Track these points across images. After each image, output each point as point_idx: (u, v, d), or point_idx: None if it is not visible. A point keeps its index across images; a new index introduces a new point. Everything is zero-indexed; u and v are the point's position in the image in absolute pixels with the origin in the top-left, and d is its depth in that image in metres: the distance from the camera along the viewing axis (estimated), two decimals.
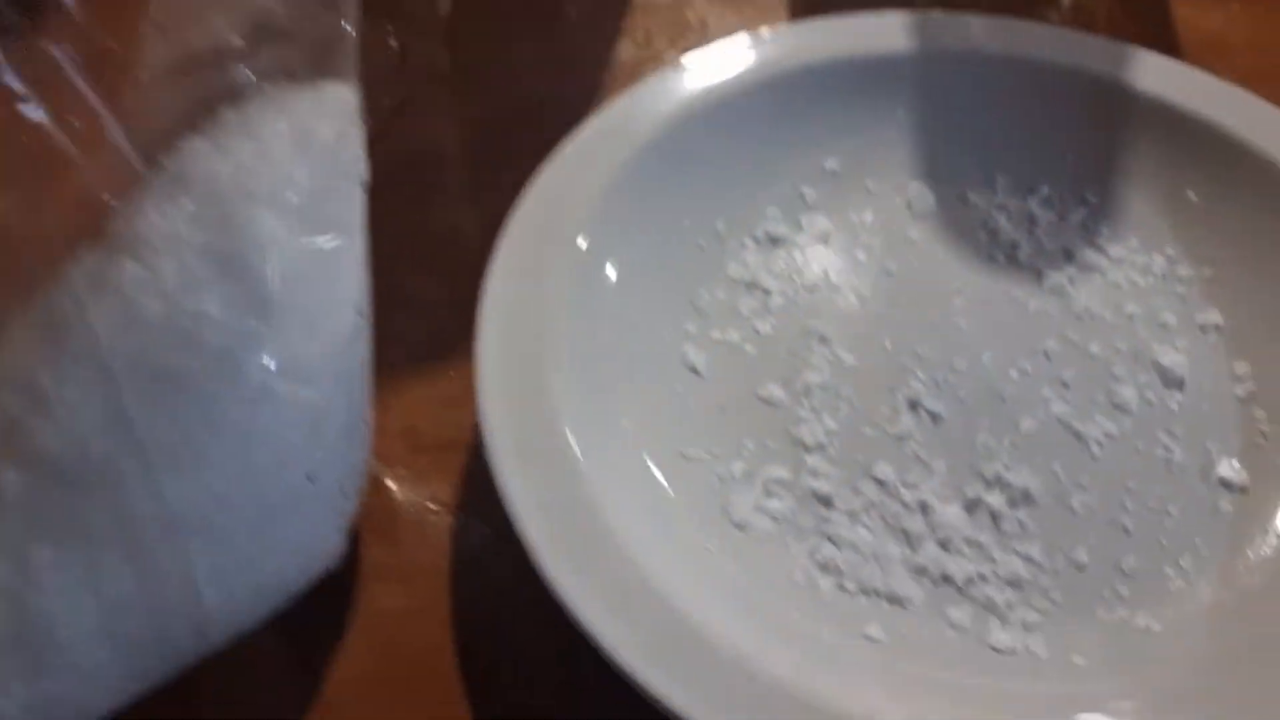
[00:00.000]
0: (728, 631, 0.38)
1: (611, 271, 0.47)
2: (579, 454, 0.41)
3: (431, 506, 0.49)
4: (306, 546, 0.42)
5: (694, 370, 0.47)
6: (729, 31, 0.56)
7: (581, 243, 0.47)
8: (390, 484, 0.49)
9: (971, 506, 0.44)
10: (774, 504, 0.45)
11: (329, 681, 0.44)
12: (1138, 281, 0.50)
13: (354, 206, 0.41)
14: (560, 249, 0.47)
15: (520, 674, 0.43)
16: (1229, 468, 0.45)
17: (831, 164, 0.54)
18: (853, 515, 0.44)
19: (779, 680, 0.37)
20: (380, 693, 0.44)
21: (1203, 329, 0.47)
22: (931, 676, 0.40)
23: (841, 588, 0.43)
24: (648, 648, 0.37)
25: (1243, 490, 0.44)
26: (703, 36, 0.65)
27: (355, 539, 0.47)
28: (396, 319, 0.53)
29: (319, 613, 0.45)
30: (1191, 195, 0.52)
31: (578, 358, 0.44)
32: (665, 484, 0.44)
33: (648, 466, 0.44)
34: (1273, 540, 0.43)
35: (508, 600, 0.44)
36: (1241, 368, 0.45)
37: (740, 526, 0.44)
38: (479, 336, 0.45)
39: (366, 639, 0.45)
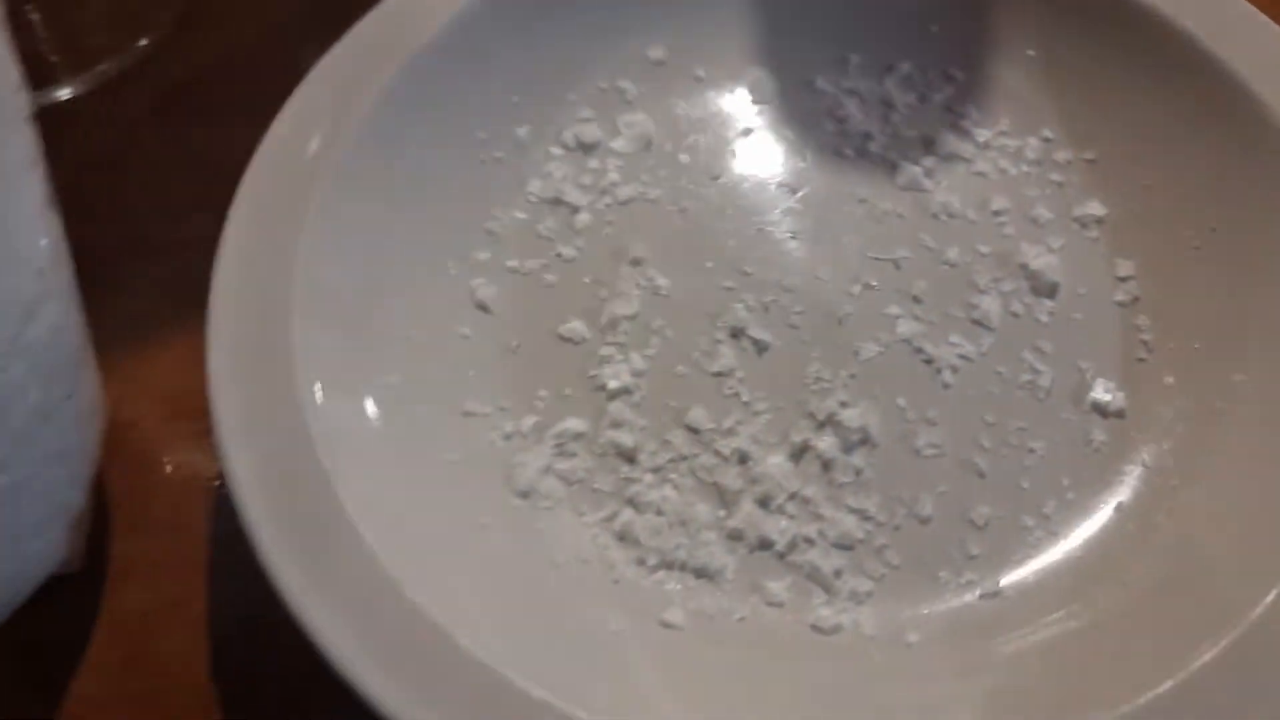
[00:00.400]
0: (482, 636, 0.32)
1: (383, 197, 0.40)
2: (323, 421, 0.35)
3: (193, 483, 0.42)
4: (11, 550, 0.36)
5: (483, 308, 0.40)
6: None
7: (346, 164, 0.39)
8: (145, 460, 0.42)
9: (798, 454, 0.37)
10: (566, 464, 0.38)
11: (67, 699, 0.38)
12: (1008, 170, 0.42)
13: (12, 149, 0.34)
14: (318, 173, 0.39)
15: (279, 686, 0.37)
16: (1104, 389, 0.38)
17: (656, 52, 0.45)
18: (658, 472, 0.37)
19: (533, 699, 0.30)
20: (125, 711, 0.38)
21: (1081, 224, 0.40)
22: (734, 668, 0.33)
23: (640, 562, 0.36)
24: (385, 660, 0.31)
25: (1119, 415, 0.38)
26: None
27: (102, 532, 0.40)
28: (165, 264, 0.46)
29: (56, 622, 0.39)
30: (1072, 66, 0.44)
31: (333, 302, 0.37)
32: (437, 450, 0.37)
33: (414, 431, 0.37)
34: (1153, 476, 0.36)
35: (268, 596, 0.36)
36: (1124, 267, 0.39)
37: (524, 495, 0.37)
38: (214, 282, 0.37)
39: (112, 648, 0.39)
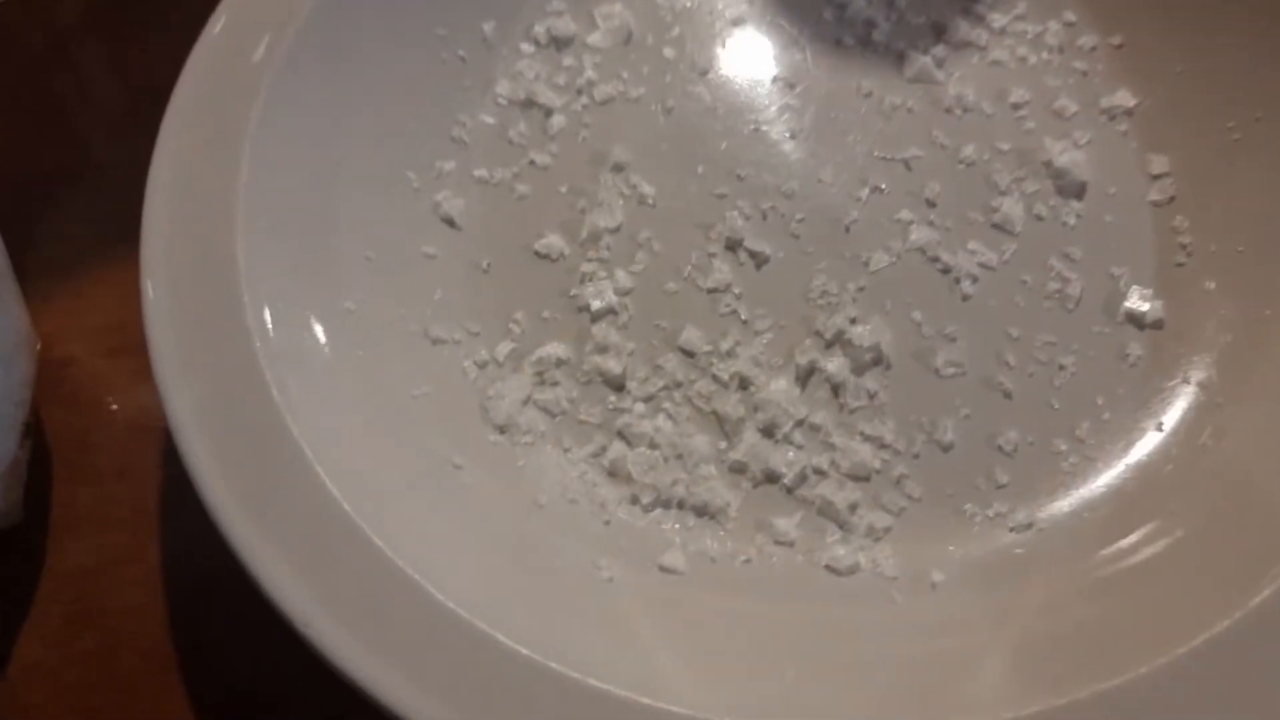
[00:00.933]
0: (459, 587, 0.28)
1: (334, 103, 0.35)
2: (274, 351, 0.31)
3: (141, 425, 0.38)
4: None
5: (449, 222, 0.36)
6: None
7: (290, 68, 0.35)
8: (87, 401, 0.39)
9: (804, 377, 0.34)
10: (548, 395, 0.34)
11: (9, 663, 0.35)
12: (1027, 58, 0.38)
13: None
14: (260, 79, 0.34)
15: (239, 645, 0.34)
16: (1140, 298, 0.34)
17: None
18: (650, 401, 0.34)
19: (515, 654, 0.27)
20: (72, 674, 0.35)
21: (1109, 116, 0.36)
22: (741, 615, 0.30)
23: (634, 501, 0.32)
24: (350, 616, 0.28)
25: (1157, 326, 0.34)
26: None
27: (42, 481, 0.37)
28: (98, 187, 0.42)
29: None
30: None
31: (281, 222, 0.33)
32: (402, 382, 0.33)
33: (376, 361, 0.33)
34: (1196, 393, 0.33)
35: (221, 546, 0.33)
36: (1158, 164, 0.35)
37: (502, 429, 0.33)
38: (146, 202, 0.33)
39: (56, 607, 0.36)
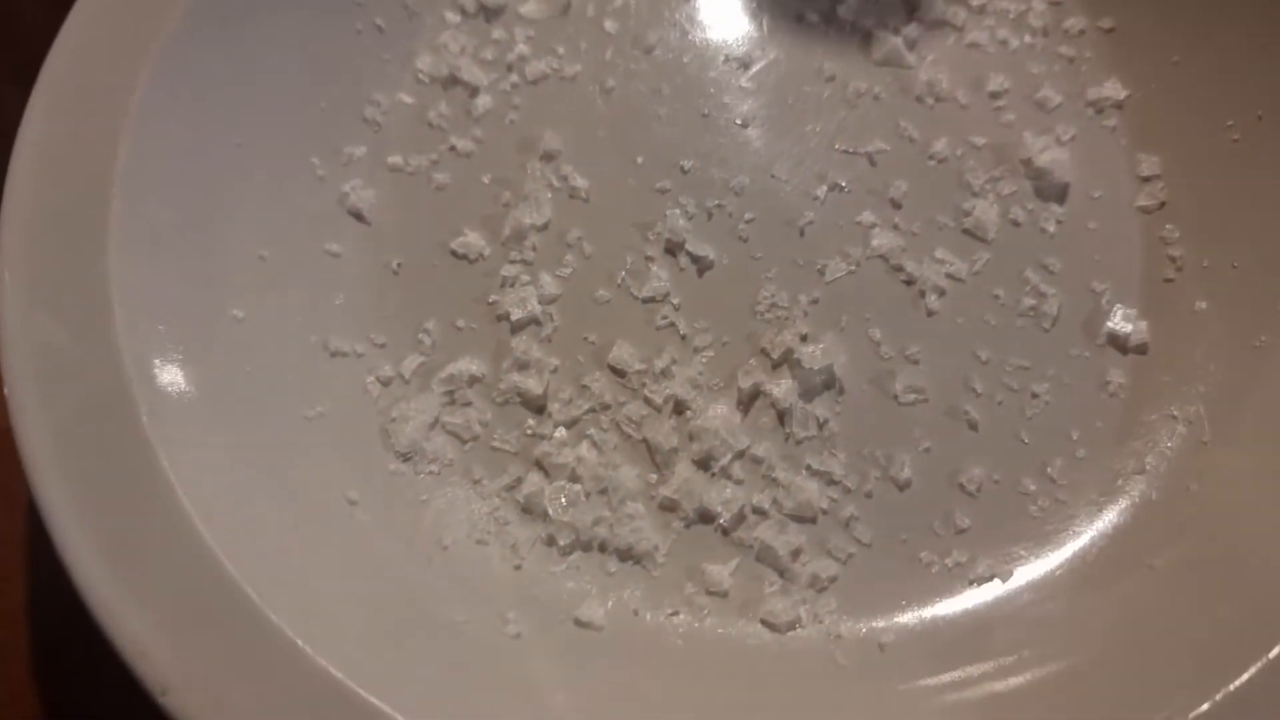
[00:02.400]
0: (345, 649, 0.25)
1: (228, 77, 0.31)
2: (145, 370, 0.28)
3: (7, 439, 0.34)
4: None
5: (357, 216, 0.32)
6: None
7: (178, 36, 0.31)
8: None
9: (748, 401, 0.30)
10: (459, 417, 0.30)
11: None
12: (1008, 42, 0.34)
13: None
14: (142, 49, 0.30)
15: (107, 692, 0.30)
16: (1124, 317, 0.31)
17: None
18: (575, 426, 0.30)
19: None
20: None
21: (1097, 109, 0.33)
22: (666, 680, 0.26)
23: (550, 543, 0.29)
24: (212, 683, 0.24)
25: (1141, 350, 0.30)
26: None
27: None
28: None
29: None
30: None
31: (161, 215, 0.30)
32: (295, 401, 0.29)
33: (266, 378, 0.29)
34: (1182, 430, 0.29)
35: None
36: (1148, 165, 0.32)
37: (405, 457, 0.29)
38: (7, 189, 0.29)
39: None
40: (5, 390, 0.28)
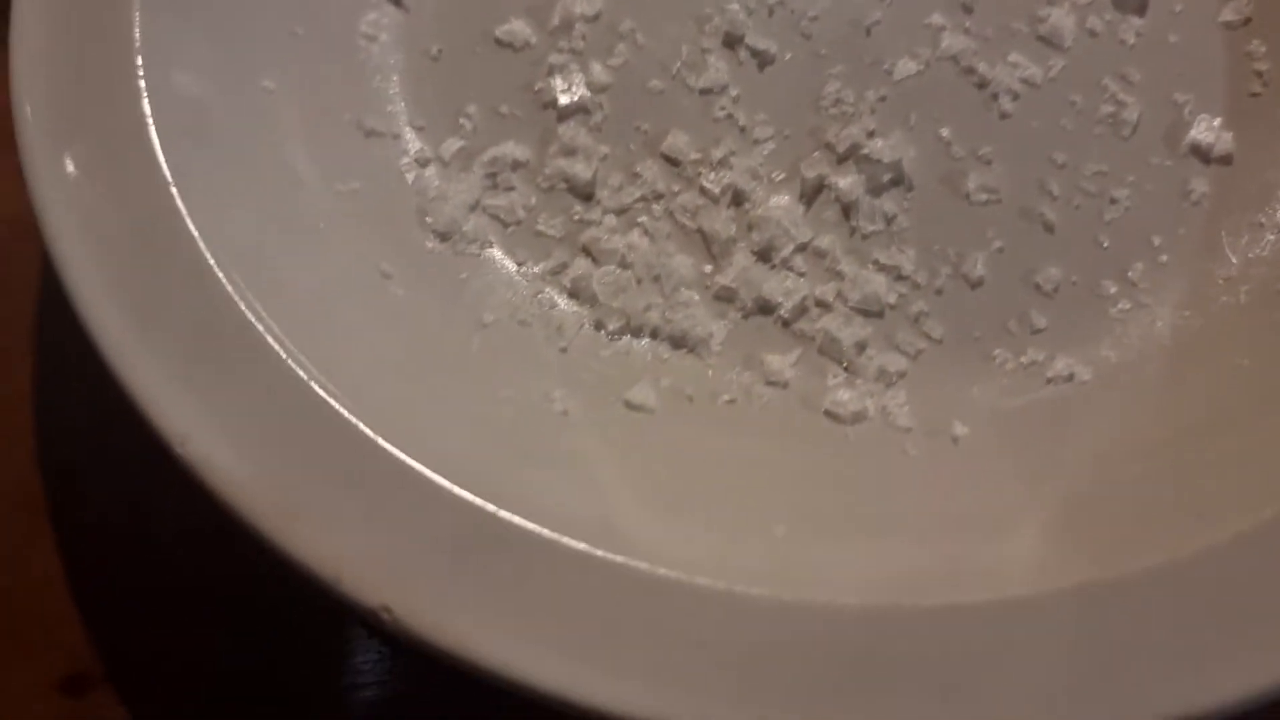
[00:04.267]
0: (382, 414, 0.23)
1: None
2: (172, 128, 0.26)
3: (18, 221, 0.32)
4: None
5: (395, 1, 0.30)
6: None
7: None
8: None
9: (811, 194, 0.28)
10: (501, 200, 0.28)
11: None
12: None
13: None
14: None
15: (112, 479, 0.28)
16: (1207, 128, 0.29)
17: None
18: (625, 214, 0.28)
19: (444, 494, 0.22)
20: None
21: None
22: (722, 462, 0.24)
23: (599, 326, 0.27)
24: (233, 433, 0.22)
25: (1225, 161, 0.28)
26: None
27: None
28: None
29: None
30: None
31: None
32: (326, 174, 0.27)
33: (295, 148, 0.27)
34: (1269, 238, 0.27)
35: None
36: None
37: (443, 236, 0.27)
38: None
39: None
40: (21, 154, 0.25)
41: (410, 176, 0.29)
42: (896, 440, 0.26)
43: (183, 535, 0.28)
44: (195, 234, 0.25)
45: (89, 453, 0.29)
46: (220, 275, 0.25)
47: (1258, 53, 0.31)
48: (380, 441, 0.23)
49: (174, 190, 0.25)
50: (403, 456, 0.23)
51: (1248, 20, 0.31)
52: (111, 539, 0.28)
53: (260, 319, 0.24)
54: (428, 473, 0.23)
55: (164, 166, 0.25)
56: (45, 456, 0.29)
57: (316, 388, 0.24)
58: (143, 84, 0.26)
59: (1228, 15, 0.31)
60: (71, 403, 0.29)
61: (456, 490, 0.23)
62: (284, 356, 0.24)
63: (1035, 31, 0.31)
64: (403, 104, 0.30)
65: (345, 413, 0.23)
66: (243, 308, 0.24)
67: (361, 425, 0.23)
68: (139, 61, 0.27)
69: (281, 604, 0.27)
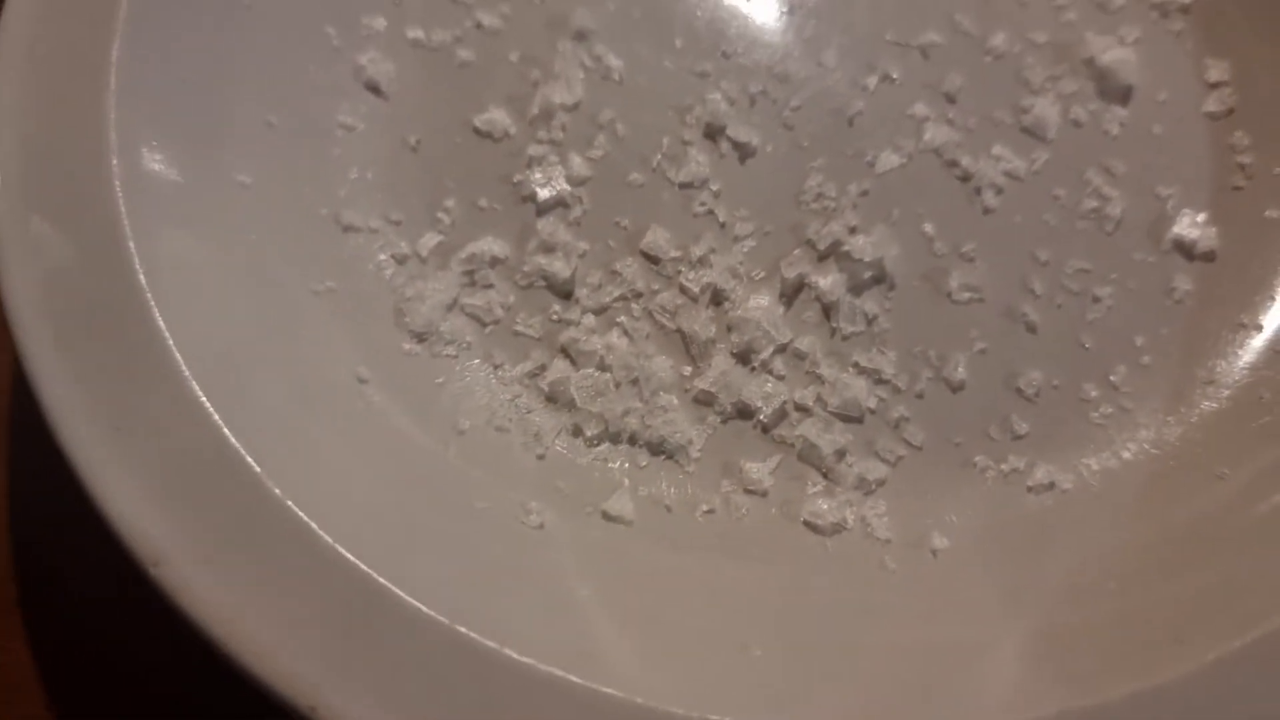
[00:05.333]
0: (348, 525, 0.22)
1: None
2: (144, 227, 0.25)
3: None
4: None
5: (374, 89, 0.30)
6: None
7: None
8: None
9: (791, 293, 0.28)
10: (479, 299, 0.28)
11: None
12: None
13: None
14: None
15: (86, 581, 0.28)
16: (1190, 223, 0.29)
17: None
18: (604, 314, 0.28)
19: (417, 614, 0.21)
20: None
21: (1162, 12, 0.31)
22: (699, 578, 0.24)
23: (576, 433, 0.27)
24: (207, 554, 0.22)
25: (1208, 258, 0.28)
26: None
27: None
28: None
29: None
30: None
31: (167, 67, 0.27)
32: (303, 274, 0.27)
33: (272, 248, 0.27)
34: (1250, 339, 0.27)
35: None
36: (1217, 70, 0.31)
37: (421, 337, 0.27)
38: (3, 27, 0.26)
39: None
40: None
41: (388, 274, 0.29)
42: (876, 553, 0.26)
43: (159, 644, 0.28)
44: (168, 337, 0.24)
45: (65, 550, 0.29)
46: (194, 384, 0.24)
47: (1241, 144, 0.31)
48: (357, 563, 0.23)
49: (149, 300, 0.25)
50: (382, 580, 0.23)
51: (1231, 111, 0.31)
52: (85, 641, 0.28)
53: (236, 432, 0.24)
54: (403, 595, 0.23)
55: (139, 269, 0.25)
56: (20, 548, 0.29)
57: (293, 507, 0.23)
58: (116, 182, 0.26)
59: (1211, 105, 0.31)
60: (49, 497, 0.29)
61: (427, 611, 0.23)
62: (259, 473, 0.23)
63: (1019, 122, 0.31)
64: (380, 197, 0.30)
65: (323, 534, 0.23)
66: (218, 419, 0.24)
67: (338, 546, 0.23)
68: (115, 157, 0.26)
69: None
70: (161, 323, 0.25)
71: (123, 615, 0.28)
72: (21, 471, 0.30)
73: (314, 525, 0.23)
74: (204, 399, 0.24)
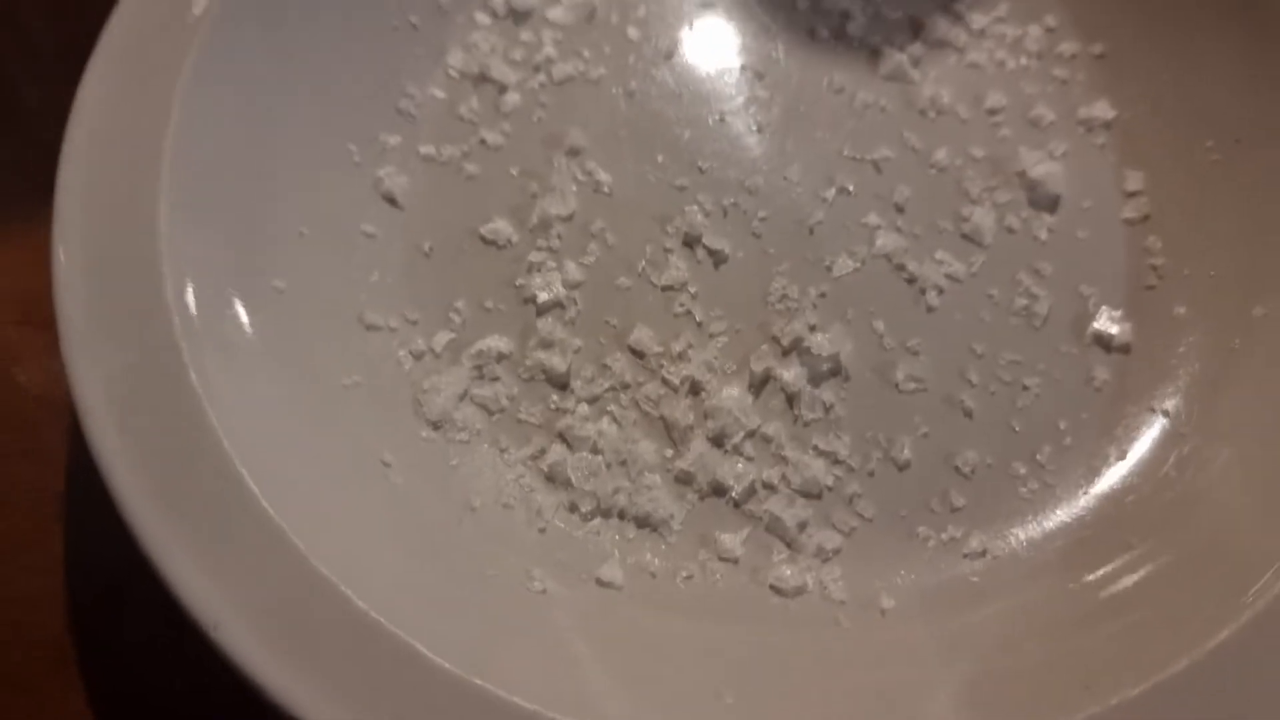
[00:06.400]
0: (381, 594, 0.26)
1: (272, 65, 0.33)
2: (194, 331, 0.29)
3: (51, 401, 0.36)
4: None
5: (391, 201, 0.34)
6: None
7: (226, 22, 0.32)
8: None
9: (759, 385, 0.32)
10: (486, 390, 0.32)
11: None
12: (1005, 62, 0.36)
13: None
14: (193, 32, 0.32)
15: (143, 645, 0.32)
16: (1109, 319, 0.33)
17: None
18: (595, 403, 0.32)
19: (437, 668, 0.25)
20: None
21: (1087, 128, 0.35)
22: (680, 635, 0.28)
23: (572, 509, 0.31)
24: (264, 624, 0.26)
25: (1124, 350, 0.32)
26: None
27: None
28: (17, 136, 0.39)
29: None
30: None
31: (209, 189, 0.31)
32: (332, 370, 0.31)
33: (304, 346, 0.31)
34: (1162, 422, 0.31)
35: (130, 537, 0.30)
36: (1134, 180, 0.34)
37: (436, 426, 0.31)
38: (63, 159, 0.30)
39: None
40: (63, 353, 0.29)
41: (406, 368, 0.33)
42: (831, 612, 0.30)
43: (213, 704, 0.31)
44: (221, 437, 0.28)
45: (123, 614, 0.32)
46: (243, 471, 0.28)
47: (1154, 248, 0.35)
48: (384, 623, 0.27)
49: (202, 399, 0.28)
50: (405, 637, 0.26)
51: (1146, 217, 0.35)
52: (142, 701, 0.32)
53: (281, 514, 0.28)
54: (425, 651, 0.26)
55: (191, 372, 0.29)
56: (78, 610, 0.33)
57: (329, 575, 0.27)
58: (169, 296, 0.30)
59: (1128, 212, 0.35)
60: (105, 565, 0.33)
61: (447, 666, 0.26)
62: (301, 547, 0.27)
63: (959, 230, 0.35)
64: (398, 298, 0.34)
65: (357, 600, 0.27)
66: (266, 505, 0.28)
67: (370, 610, 0.27)
68: (166, 273, 0.30)
69: None
70: (212, 415, 0.29)
71: (174, 667, 0.32)
72: (75, 540, 0.34)
73: (348, 591, 0.27)
74: (251, 483, 0.28)
